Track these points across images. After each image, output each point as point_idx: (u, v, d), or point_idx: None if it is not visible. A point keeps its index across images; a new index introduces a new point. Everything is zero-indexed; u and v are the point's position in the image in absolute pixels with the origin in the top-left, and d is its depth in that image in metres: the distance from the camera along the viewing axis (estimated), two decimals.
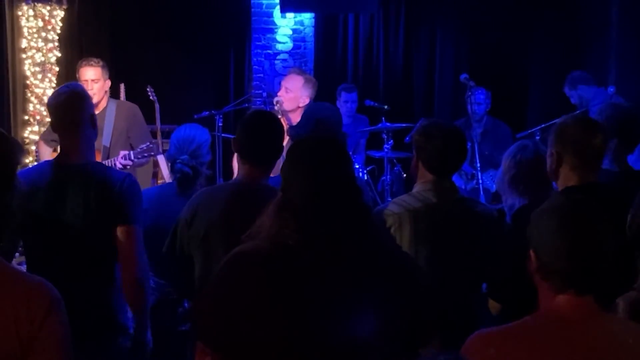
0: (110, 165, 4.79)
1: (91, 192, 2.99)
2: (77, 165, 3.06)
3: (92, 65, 5.23)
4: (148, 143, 4.84)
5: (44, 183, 3.02)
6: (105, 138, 5.08)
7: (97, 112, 5.01)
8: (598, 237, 1.78)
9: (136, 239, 3.02)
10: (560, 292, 1.82)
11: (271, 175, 3.11)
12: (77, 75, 5.28)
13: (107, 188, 3.01)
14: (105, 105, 5.25)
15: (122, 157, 4.78)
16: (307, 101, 5.02)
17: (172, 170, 3.69)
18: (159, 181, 6.60)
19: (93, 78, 5.17)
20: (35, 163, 6.25)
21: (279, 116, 4.78)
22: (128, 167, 4.79)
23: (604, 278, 1.80)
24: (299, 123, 3.98)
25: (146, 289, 3.06)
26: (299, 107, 4.96)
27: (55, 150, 5.17)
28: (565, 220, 1.80)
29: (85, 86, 5.04)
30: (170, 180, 3.80)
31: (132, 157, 4.76)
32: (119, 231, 3.00)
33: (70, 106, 3.08)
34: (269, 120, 3.06)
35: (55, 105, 3.12)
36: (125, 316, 3.14)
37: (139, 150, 4.80)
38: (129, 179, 3.10)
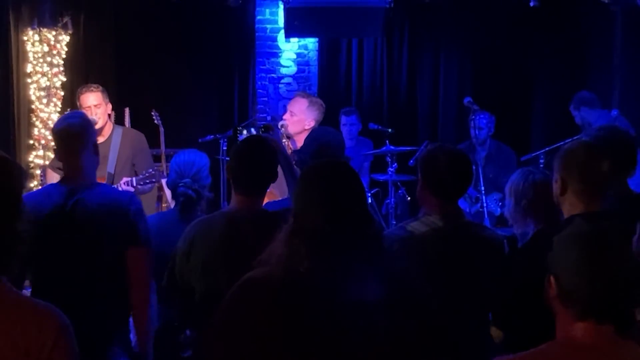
0: None
1: (99, 212, 3.07)
2: (82, 185, 3.15)
3: (92, 91, 5.25)
4: (150, 170, 4.85)
5: (50, 205, 3.09)
6: (110, 165, 5.08)
7: (103, 139, 5.08)
8: (620, 266, 1.78)
9: (147, 260, 3.12)
10: (580, 319, 1.81)
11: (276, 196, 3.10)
12: (78, 103, 5.28)
13: (116, 208, 3.11)
14: (110, 131, 5.27)
15: (124, 183, 4.78)
16: (312, 124, 5.01)
17: (175, 194, 3.69)
18: (163, 205, 6.60)
19: (95, 103, 5.19)
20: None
21: (284, 140, 4.79)
22: None
23: (625, 307, 1.79)
24: (301, 148, 3.97)
25: (153, 311, 3.15)
26: (304, 130, 4.96)
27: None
28: (589, 249, 1.79)
29: (88, 112, 5.09)
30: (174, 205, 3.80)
31: (135, 184, 4.77)
32: (130, 252, 3.09)
33: (72, 134, 3.18)
34: (259, 149, 3.04)
35: (58, 133, 3.24)
36: (129, 338, 3.21)
37: (141, 176, 4.80)
38: (135, 199, 3.23)
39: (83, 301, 3.03)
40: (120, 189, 4.76)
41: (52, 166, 5.45)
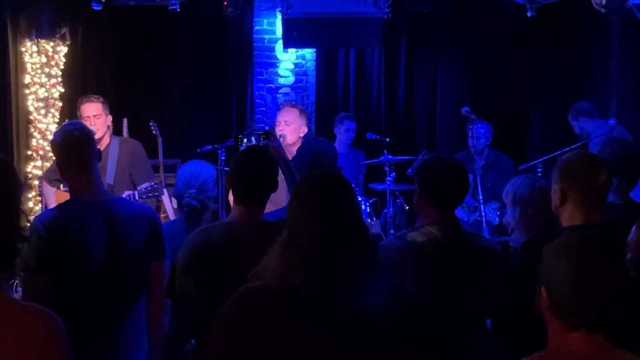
0: None
1: (124, 229, 3.09)
2: (103, 202, 3.12)
3: (92, 101, 5.26)
4: (152, 183, 4.85)
5: (74, 222, 3.04)
6: (108, 175, 5.08)
7: (100, 149, 5.05)
8: (611, 277, 1.78)
9: (166, 272, 3.15)
10: (571, 330, 1.81)
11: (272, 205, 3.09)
12: (78, 113, 5.29)
13: (142, 224, 3.15)
14: (108, 142, 5.27)
15: (126, 197, 4.77)
16: (305, 130, 5.22)
17: (180, 204, 3.70)
18: (161, 215, 6.60)
19: (95, 114, 5.19)
20: (39, 200, 6.27)
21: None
22: None
23: (617, 317, 1.79)
24: (295, 157, 3.98)
25: (167, 322, 3.19)
26: (299, 137, 5.15)
27: (58, 189, 5.17)
28: (579, 260, 1.80)
29: (87, 123, 5.09)
30: (174, 216, 3.81)
31: (137, 197, 4.76)
32: (154, 266, 3.17)
33: (81, 146, 3.12)
34: (259, 159, 3.04)
35: (64, 145, 3.14)
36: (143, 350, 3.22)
37: (142, 190, 4.80)
38: (156, 213, 3.30)
39: (114, 314, 3.08)
40: None
41: (48, 178, 5.41)
